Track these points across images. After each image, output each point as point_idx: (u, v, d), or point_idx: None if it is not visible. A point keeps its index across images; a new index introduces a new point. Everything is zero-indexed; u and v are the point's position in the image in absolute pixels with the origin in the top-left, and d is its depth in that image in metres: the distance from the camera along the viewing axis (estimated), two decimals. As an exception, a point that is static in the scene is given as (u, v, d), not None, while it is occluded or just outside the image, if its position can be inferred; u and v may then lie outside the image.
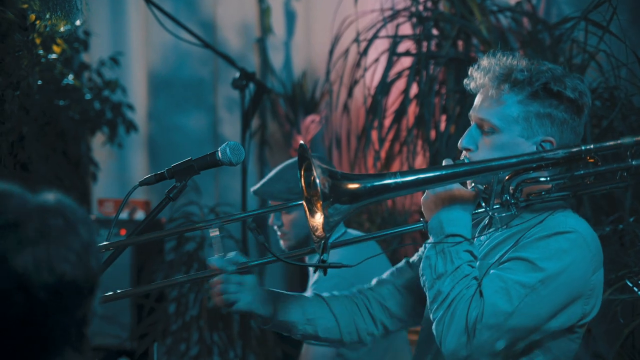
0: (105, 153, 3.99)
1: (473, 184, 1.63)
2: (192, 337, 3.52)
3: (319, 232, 1.53)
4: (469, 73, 1.68)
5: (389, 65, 3.34)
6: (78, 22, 2.32)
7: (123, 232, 3.55)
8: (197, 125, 4.13)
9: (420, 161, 3.39)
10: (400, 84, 3.45)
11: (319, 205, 1.52)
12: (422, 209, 1.62)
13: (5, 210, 0.99)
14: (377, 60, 3.50)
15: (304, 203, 1.58)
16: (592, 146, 1.56)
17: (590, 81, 3.12)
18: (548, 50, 3.10)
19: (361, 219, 3.51)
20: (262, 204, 3.85)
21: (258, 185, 2.51)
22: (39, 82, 2.66)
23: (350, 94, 3.53)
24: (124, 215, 3.71)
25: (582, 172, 1.59)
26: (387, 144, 3.42)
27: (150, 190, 3.90)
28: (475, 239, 1.69)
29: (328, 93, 3.69)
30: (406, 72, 3.38)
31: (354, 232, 2.63)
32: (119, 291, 1.68)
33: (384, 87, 3.36)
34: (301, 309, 1.76)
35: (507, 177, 1.58)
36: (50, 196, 1.05)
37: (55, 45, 2.80)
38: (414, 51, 3.38)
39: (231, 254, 1.68)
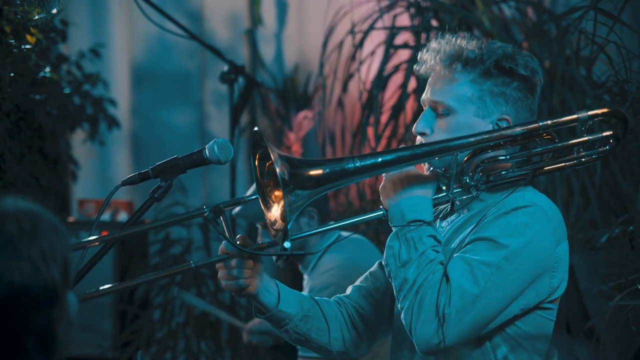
0: (86, 151, 3.95)
1: (431, 169, 1.65)
2: (179, 345, 3.49)
3: (279, 224, 1.53)
4: (419, 57, 1.69)
5: (386, 58, 3.33)
6: (54, 11, 2.29)
7: (105, 234, 3.44)
8: (183, 122, 4.11)
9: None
10: (397, 78, 3.43)
11: (275, 194, 1.54)
12: (380, 197, 1.63)
13: None
14: (373, 53, 3.49)
15: (261, 194, 1.57)
16: (549, 122, 1.59)
17: (599, 74, 3.05)
18: (554, 42, 3.06)
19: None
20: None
21: (238, 209, 2.45)
22: (11, 75, 2.54)
23: (344, 88, 3.52)
24: (105, 216, 3.68)
25: (540, 148, 1.62)
26: (383, 141, 3.40)
27: (133, 191, 3.87)
28: (437, 226, 1.70)
29: (321, 87, 3.67)
30: (404, 66, 3.36)
31: (346, 235, 2.51)
32: (105, 287, 1.64)
33: (381, 81, 3.35)
34: (300, 304, 1.73)
35: (465, 158, 1.60)
36: (9, 201, 1.04)
37: (29, 35, 2.69)
38: (412, 43, 3.37)
39: (238, 239, 1.64)
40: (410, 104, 3.32)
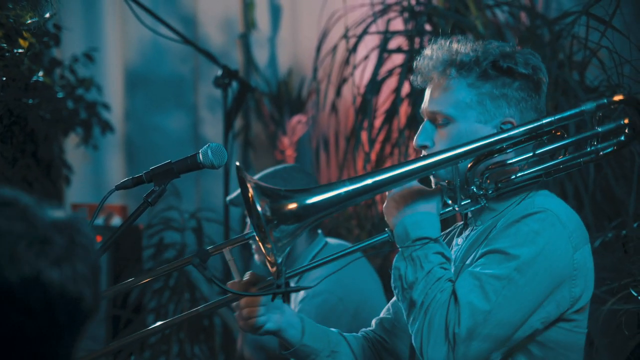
0: (79, 155, 3.92)
1: (434, 183, 1.56)
2: (172, 350, 3.46)
3: (272, 258, 1.43)
4: (414, 67, 1.60)
5: (380, 62, 3.30)
6: (47, 15, 2.27)
7: (99, 239, 3.42)
8: (176, 126, 4.09)
9: (412, 163, 3.32)
10: (391, 83, 3.41)
11: (264, 228, 1.42)
12: (385, 217, 1.54)
13: (35, 225, 0.95)
14: (367, 57, 3.47)
15: (257, 231, 1.48)
16: (552, 118, 1.48)
17: (592, 79, 3.07)
18: (547, 46, 3.06)
19: (350, 224, 3.50)
20: (243, 214, 3.77)
21: (234, 195, 2.41)
22: (4, 79, 2.53)
23: (338, 92, 3.50)
24: (99, 221, 3.64)
25: (548, 147, 1.51)
26: (377, 146, 3.37)
27: (127, 195, 3.84)
28: (453, 243, 1.62)
29: (315, 92, 3.66)
30: (398, 70, 3.34)
31: (334, 242, 2.50)
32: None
33: (374, 85, 3.32)
34: (327, 338, 1.66)
35: (468, 167, 1.50)
36: (58, 212, 0.99)
37: (21, 39, 2.68)
38: (405, 48, 3.34)
39: (247, 275, 1.59)
40: (404, 108, 3.30)
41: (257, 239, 1.47)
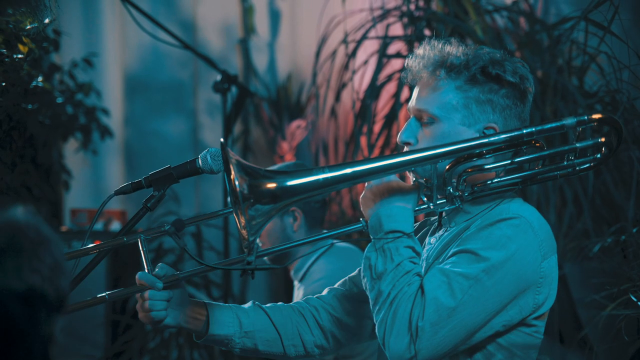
0: (79, 160, 3.91)
1: (413, 179, 1.59)
2: (171, 355, 3.45)
3: (245, 234, 1.46)
4: (405, 65, 1.63)
5: (379, 67, 3.29)
6: (47, 20, 2.27)
7: (97, 243, 3.42)
8: (176, 131, 4.07)
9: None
10: (390, 88, 3.41)
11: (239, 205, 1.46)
12: (361, 208, 1.57)
13: None
14: (366, 62, 3.46)
15: (233, 207, 1.50)
16: (534, 129, 1.51)
17: (591, 84, 3.07)
18: (546, 51, 3.06)
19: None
20: None
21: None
22: (3, 84, 2.53)
23: (337, 97, 3.49)
24: (98, 226, 3.63)
25: (526, 157, 1.54)
26: (376, 151, 3.37)
27: (126, 200, 3.84)
28: (426, 242, 1.65)
29: (314, 97, 3.65)
30: (397, 75, 3.34)
31: (341, 245, 2.50)
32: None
33: (374, 90, 3.31)
34: (237, 321, 1.68)
35: (447, 167, 1.53)
36: (19, 211, 1.05)
37: (21, 45, 2.67)
38: (405, 53, 3.34)
39: (158, 267, 1.62)
40: (403, 114, 3.28)
41: (235, 215, 1.49)
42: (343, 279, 1.78)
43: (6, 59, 2.53)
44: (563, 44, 2.99)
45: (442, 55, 1.58)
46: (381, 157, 1.53)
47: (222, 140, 1.48)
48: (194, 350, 3.47)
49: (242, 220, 1.45)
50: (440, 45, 1.60)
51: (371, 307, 1.50)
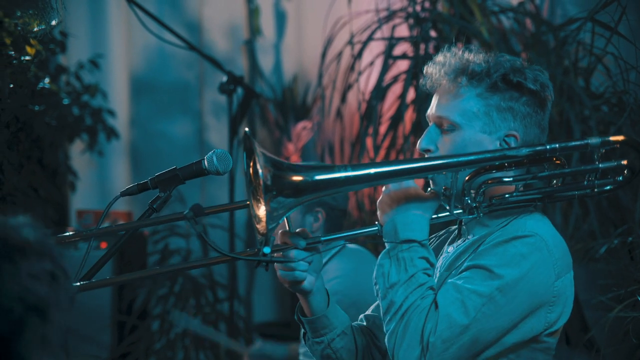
0: (85, 161, 3.92)
1: (431, 187, 1.58)
2: (177, 356, 3.46)
3: (262, 226, 1.45)
4: (424, 71, 1.63)
5: (385, 68, 3.29)
6: (54, 22, 2.28)
7: (104, 245, 3.43)
8: (182, 132, 4.08)
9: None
10: (396, 89, 3.40)
11: (261, 196, 1.45)
12: (377, 212, 1.57)
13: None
14: (372, 63, 3.45)
15: (251, 195, 1.50)
16: (557, 145, 1.51)
17: (598, 85, 3.06)
18: (552, 52, 3.05)
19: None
20: (248, 220, 3.77)
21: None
22: (11, 86, 2.53)
23: (343, 99, 3.49)
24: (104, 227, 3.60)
25: (546, 173, 1.54)
26: (382, 152, 3.36)
27: (132, 201, 3.83)
28: (444, 250, 1.65)
29: (320, 98, 3.64)
30: (403, 76, 3.32)
31: (352, 247, 2.51)
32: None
33: (379, 91, 3.30)
34: (344, 318, 1.67)
35: (467, 178, 1.53)
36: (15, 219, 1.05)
37: (28, 47, 2.69)
38: (410, 54, 3.33)
39: (299, 229, 1.59)
40: (409, 115, 3.29)
41: (252, 208, 1.48)
42: (375, 304, 1.75)
43: (14, 61, 2.54)
44: (569, 45, 2.99)
45: (463, 63, 1.58)
46: (406, 160, 1.54)
47: (246, 129, 1.48)
48: (199, 351, 3.48)
49: (260, 213, 1.44)
50: (460, 52, 1.60)
51: (382, 316, 1.50)
